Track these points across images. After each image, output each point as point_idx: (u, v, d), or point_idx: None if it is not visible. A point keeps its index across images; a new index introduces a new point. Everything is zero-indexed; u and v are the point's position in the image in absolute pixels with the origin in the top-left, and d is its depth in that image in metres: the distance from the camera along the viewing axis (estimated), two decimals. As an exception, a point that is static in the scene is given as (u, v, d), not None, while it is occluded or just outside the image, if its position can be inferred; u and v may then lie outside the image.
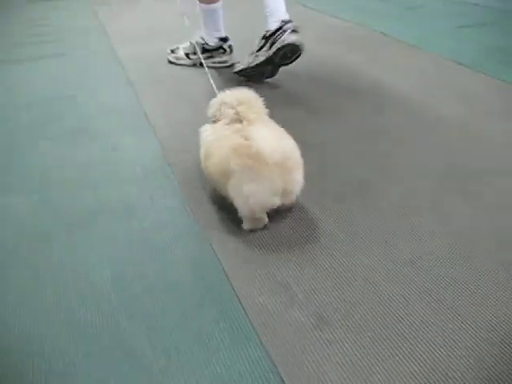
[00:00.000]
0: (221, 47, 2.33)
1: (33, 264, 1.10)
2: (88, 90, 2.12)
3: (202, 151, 1.24)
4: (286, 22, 2.01)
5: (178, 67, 2.37)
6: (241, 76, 2.11)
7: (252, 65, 2.07)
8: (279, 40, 2.00)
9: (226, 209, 1.21)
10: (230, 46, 2.35)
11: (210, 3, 2.24)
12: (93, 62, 2.51)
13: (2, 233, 1.21)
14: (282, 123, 1.24)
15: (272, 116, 1.27)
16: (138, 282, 1.03)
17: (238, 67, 2.14)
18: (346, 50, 2.53)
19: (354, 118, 1.77)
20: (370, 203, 1.27)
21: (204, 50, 2.29)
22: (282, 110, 1.65)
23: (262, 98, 1.29)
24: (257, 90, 1.31)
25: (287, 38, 1.99)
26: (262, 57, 2.05)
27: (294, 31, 2.01)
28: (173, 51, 2.44)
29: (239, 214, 1.15)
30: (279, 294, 0.98)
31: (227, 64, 2.33)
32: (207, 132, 1.26)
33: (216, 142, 1.20)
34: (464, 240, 1.11)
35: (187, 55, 2.39)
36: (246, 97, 1.27)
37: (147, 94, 2.05)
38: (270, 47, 2.02)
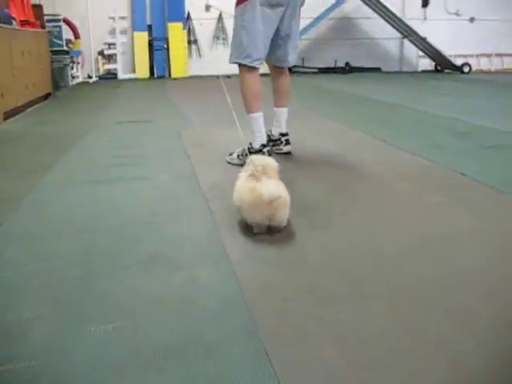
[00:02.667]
0: (261, 151, 2.91)
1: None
2: (167, 217, 2.18)
3: (235, 189, 2.02)
4: (283, 135, 3.21)
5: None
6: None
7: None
8: (278, 148, 3.19)
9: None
10: (268, 151, 2.95)
11: (251, 113, 2.93)
12: (174, 188, 2.61)
13: (75, 365, 1.21)
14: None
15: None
16: None
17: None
18: (425, 190, 2.53)
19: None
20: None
21: (250, 153, 2.76)
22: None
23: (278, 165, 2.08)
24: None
25: (283, 147, 3.20)
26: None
27: (287, 143, 3.22)
28: (230, 154, 3.08)
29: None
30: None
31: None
32: (240, 179, 2.03)
33: (241, 185, 2.00)
34: None
35: (238, 156, 3.02)
36: (267, 163, 2.04)
37: (227, 225, 2.09)
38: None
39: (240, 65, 2.92)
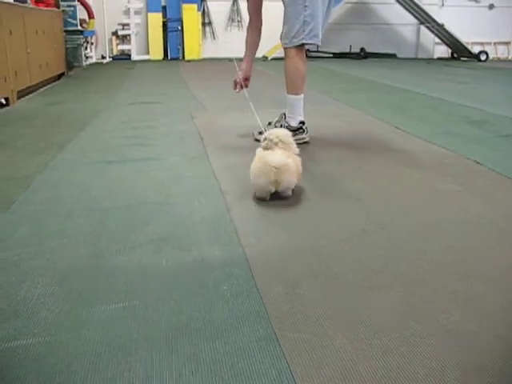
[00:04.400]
0: (300, 128, 3.11)
1: (111, 376, 1.08)
2: (178, 198, 2.17)
3: (252, 164, 2.12)
4: (302, 123, 3.11)
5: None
6: None
7: None
8: (298, 137, 2.97)
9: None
10: (306, 128, 3.13)
11: (296, 94, 3.03)
12: (186, 169, 2.60)
13: (85, 343, 1.21)
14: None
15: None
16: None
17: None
18: (438, 177, 2.50)
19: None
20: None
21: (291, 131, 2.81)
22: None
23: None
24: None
25: (303, 136, 3.09)
26: None
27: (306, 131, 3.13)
28: (260, 133, 2.85)
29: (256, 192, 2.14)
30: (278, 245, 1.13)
31: (305, 140, 3.11)
32: (257, 152, 2.17)
33: (256, 156, 2.14)
34: None
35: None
36: (282, 134, 2.17)
37: (239, 207, 2.08)
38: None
39: (295, 46, 2.93)
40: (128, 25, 9.88)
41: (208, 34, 10.34)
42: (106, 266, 1.57)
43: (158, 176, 2.49)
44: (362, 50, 10.50)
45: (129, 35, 9.90)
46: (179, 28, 9.80)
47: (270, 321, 1.29)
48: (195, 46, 9.87)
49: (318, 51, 10.08)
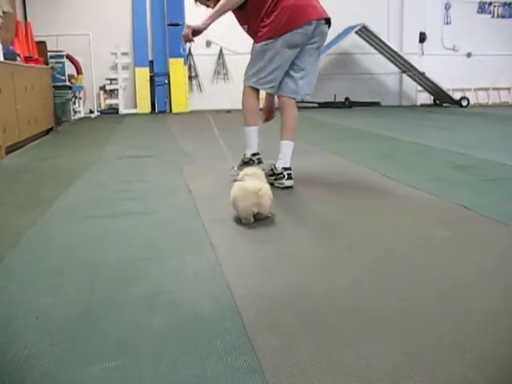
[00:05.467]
0: (251, 159, 3.44)
1: None
2: (170, 253, 2.17)
3: (231, 192, 2.55)
4: (286, 169, 3.30)
5: (264, 239, 2.43)
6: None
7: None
8: (279, 182, 3.29)
9: None
10: (258, 159, 3.45)
11: (246, 126, 3.42)
12: (176, 223, 2.60)
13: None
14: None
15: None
16: None
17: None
18: (427, 223, 2.52)
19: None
20: None
21: (243, 163, 3.39)
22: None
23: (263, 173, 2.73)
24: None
25: (284, 182, 3.28)
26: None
27: (289, 177, 3.29)
28: (232, 168, 3.32)
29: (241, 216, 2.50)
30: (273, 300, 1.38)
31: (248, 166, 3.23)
32: (235, 184, 2.57)
33: (234, 187, 2.55)
34: None
35: (237, 168, 3.30)
36: (255, 171, 2.68)
37: (229, 259, 2.07)
38: (271, 177, 3.26)
39: (249, 86, 3.37)
40: (116, 79, 10.05)
41: (195, 87, 10.52)
42: (98, 324, 1.55)
43: (148, 230, 2.48)
44: (347, 99, 10.72)
45: (116, 90, 10.06)
46: (166, 82, 9.98)
47: (265, 376, 1.27)
48: (182, 98, 10.03)
49: (303, 101, 10.28)
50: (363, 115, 9.08)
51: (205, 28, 3.35)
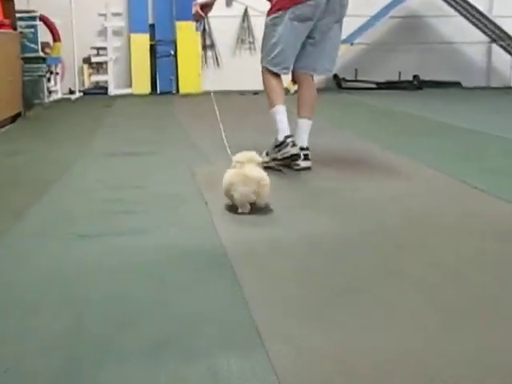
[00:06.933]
0: (284, 142, 3.92)
1: None
2: (178, 289, 2.19)
3: (223, 180, 3.08)
4: (303, 149, 3.97)
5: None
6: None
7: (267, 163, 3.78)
8: (295, 163, 3.95)
9: None
10: (293, 141, 3.91)
11: (271, 106, 4.04)
12: (187, 246, 2.62)
13: None
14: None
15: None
16: None
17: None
18: None
19: None
20: None
21: (275, 147, 3.98)
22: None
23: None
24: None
25: (300, 163, 3.95)
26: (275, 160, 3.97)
27: (306, 158, 3.99)
28: (266, 154, 4.03)
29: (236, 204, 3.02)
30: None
31: (291, 153, 3.90)
32: (229, 172, 3.10)
33: (228, 174, 3.07)
34: None
35: (267, 154, 4.05)
36: (250, 156, 3.07)
37: (260, 296, 2.09)
38: (283, 160, 3.93)
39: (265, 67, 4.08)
40: (105, 49, 10.11)
41: (210, 60, 10.54)
42: (86, 380, 1.58)
43: (150, 256, 2.50)
44: (416, 77, 10.65)
45: (105, 63, 10.13)
46: (172, 53, 10.02)
47: None
48: (193, 76, 10.05)
49: (356, 80, 10.26)
50: (437, 99, 9.01)
51: (213, 1, 4.05)
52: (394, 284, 2.20)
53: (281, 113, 4.00)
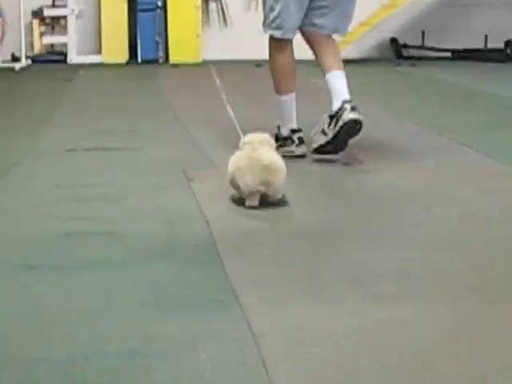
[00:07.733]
0: (289, 138, 4.46)
1: None
2: (167, 343, 2.19)
3: (230, 163, 3.43)
4: (346, 102, 4.22)
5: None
6: (317, 154, 4.36)
7: (322, 143, 4.29)
8: (341, 118, 4.15)
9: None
10: (299, 138, 4.45)
11: (278, 95, 4.53)
12: (179, 285, 2.61)
13: None
14: None
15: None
16: None
17: (313, 146, 4.39)
18: None
19: None
20: None
21: (276, 139, 4.23)
22: None
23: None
24: None
25: (347, 115, 4.14)
26: (330, 134, 4.22)
27: (353, 109, 4.19)
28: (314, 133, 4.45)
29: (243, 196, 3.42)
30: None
31: (293, 154, 4.42)
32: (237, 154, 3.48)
33: (236, 156, 3.44)
34: None
35: (314, 135, 4.43)
36: (262, 138, 3.47)
37: (282, 358, 2.08)
38: (335, 125, 4.18)
39: (270, 36, 4.47)
40: (63, -1, 10.19)
41: (214, 17, 10.55)
42: None
43: (127, 298, 2.50)
44: (508, 44, 10.64)
45: (64, 18, 10.17)
46: (159, 4, 10.04)
47: None
48: (190, 38, 10.07)
49: (423, 47, 10.23)
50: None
51: None
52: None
53: (290, 101, 4.48)
